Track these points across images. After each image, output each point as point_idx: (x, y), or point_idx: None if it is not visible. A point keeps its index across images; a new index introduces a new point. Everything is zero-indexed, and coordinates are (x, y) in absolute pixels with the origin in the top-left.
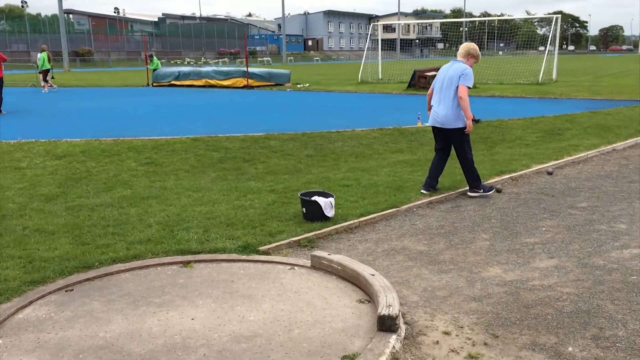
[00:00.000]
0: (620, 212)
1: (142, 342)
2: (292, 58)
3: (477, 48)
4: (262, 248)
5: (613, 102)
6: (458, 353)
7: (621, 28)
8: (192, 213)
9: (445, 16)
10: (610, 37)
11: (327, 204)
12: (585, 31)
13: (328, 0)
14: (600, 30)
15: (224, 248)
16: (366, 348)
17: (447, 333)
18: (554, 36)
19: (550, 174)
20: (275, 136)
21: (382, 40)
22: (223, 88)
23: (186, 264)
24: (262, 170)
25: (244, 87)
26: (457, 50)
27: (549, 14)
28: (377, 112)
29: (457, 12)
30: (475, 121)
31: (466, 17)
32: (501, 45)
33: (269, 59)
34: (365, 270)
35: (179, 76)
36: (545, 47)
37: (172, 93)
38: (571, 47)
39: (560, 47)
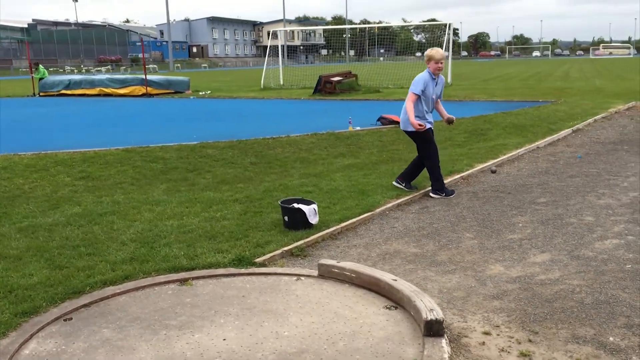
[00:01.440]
0: (580, 205)
1: None
2: (178, 65)
3: (434, 52)
4: (258, 260)
5: (513, 104)
6: (509, 352)
7: (487, 35)
8: (164, 228)
9: (327, 23)
10: (478, 44)
11: (310, 211)
12: (457, 38)
13: (210, 7)
14: (469, 37)
15: (217, 263)
16: (424, 355)
17: (487, 333)
18: (448, 42)
19: (494, 172)
20: (211, 144)
21: (268, 46)
22: (119, 97)
23: (183, 281)
24: (212, 180)
25: (142, 95)
26: (340, 56)
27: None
28: (298, 117)
29: (338, 19)
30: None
31: (348, 24)
32: (382, 51)
33: (155, 66)
34: (384, 276)
35: (69, 85)
36: (423, 52)
37: (67, 103)
38: (445, 53)
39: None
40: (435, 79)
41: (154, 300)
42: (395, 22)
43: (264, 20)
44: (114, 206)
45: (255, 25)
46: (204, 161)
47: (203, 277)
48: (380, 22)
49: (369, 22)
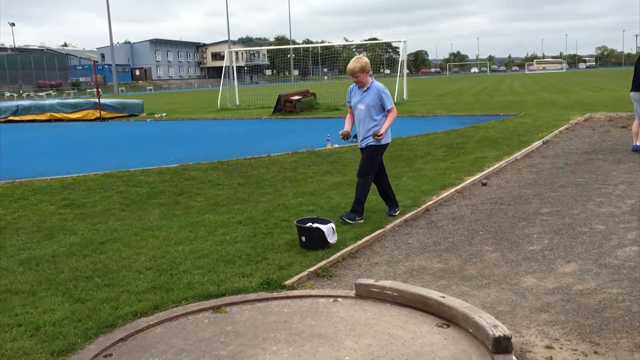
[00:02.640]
0: (584, 214)
1: None
2: (123, 88)
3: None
4: (287, 283)
5: (476, 118)
6: None
7: (426, 53)
8: (176, 254)
9: (271, 44)
10: (418, 62)
11: (329, 231)
12: (397, 56)
13: (150, 29)
14: (409, 55)
15: (245, 287)
16: None
17: (549, 347)
18: (403, 60)
19: (484, 185)
20: (193, 166)
21: (211, 68)
22: (71, 121)
23: (216, 309)
24: (205, 202)
25: (96, 119)
26: (285, 75)
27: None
28: (269, 137)
29: (281, 39)
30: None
31: (292, 44)
32: (325, 70)
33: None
34: (431, 294)
35: (17, 111)
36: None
37: (18, 129)
38: (387, 71)
39: (378, 71)
40: (361, 88)
41: (193, 330)
42: (337, 41)
43: (207, 42)
44: (113, 234)
45: (198, 47)
46: (191, 184)
47: (236, 303)
48: (323, 42)
49: (311, 42)
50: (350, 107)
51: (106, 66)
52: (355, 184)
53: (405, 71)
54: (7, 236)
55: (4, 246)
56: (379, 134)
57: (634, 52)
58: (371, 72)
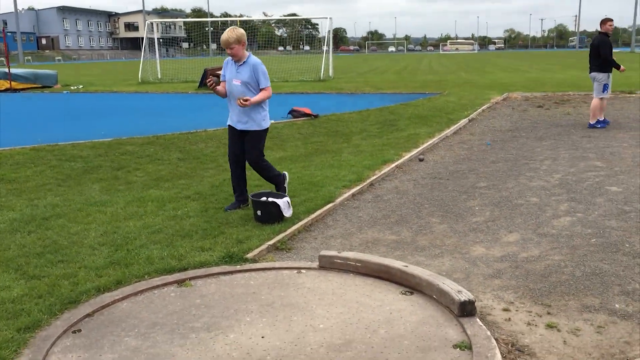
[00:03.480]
0: (518, 187)
1: None
2: (29, 58)
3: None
4: (249, 256)
5: (403, 96)
6: (537, 325)
7: (344, 30)
8: (128, 229)
9: (187, 15)
10: (337, 39)
11: (285, 204)
12: (317, 33)
13: None
14: (328, 33)
15: (207, 261)
16: (469, 335)
17: (506, 310)
18: (328, 38)
19: (421, 160)
20: (128, 141)
21: (124, 39)
22: None
23: (181, 282)
24: (146, 177)
25: (6, 90)
26: (202, 49)
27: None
28: (198, 111)
29: (198, 12)
30: (314, 116)
31: (210, 17)
32: None
33: (2, 58)
34: (394, 263)
35: None
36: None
37: None
38: (307, 48)
39: (298, 47)
40: (237, 62)
41: (162, 304)
42: (257, 16)
43: (120, 11)
44: (55, 209)
45: (110, 16)
46: (128, 158)
47: (200, 276)
48: (242, 16)
49: (229, 16)
50: (224, 81)
51: (8, 34)
52: (256, 171)
53: (332, 47)
54: None
55: None
56: (247, 99)
57: (539, 35)
58: (247, 46)
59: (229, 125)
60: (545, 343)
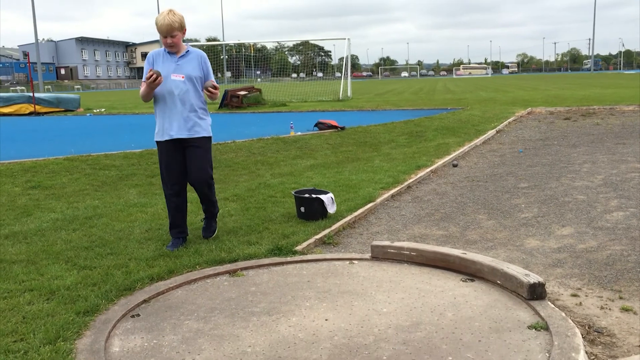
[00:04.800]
0: (562, 187)
1: (308, 349)
2: (49, 87)
3: (157, 20)
4: (298, 248)
5: (425, 111)
6: (610, 309)
7: (357, 57)
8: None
9: (202, 45)
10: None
11: (329, 200)
12: (329, 60)
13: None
14: (340, 60)
15: (255, 253)
16: (543, 316)
17: (575, 295)
18: (347, 57)
19: (455, 166)
20: None
21: (141, 68)
22: (4, 116)
23: (232, 272)
24: None
25: (30, 113)
26: (217, 77)
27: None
28: (224, 127)
29: (213, 41)
30: (340, 128)
31: (225, 46)
32: (258, 72)
33: (23, 87)
34: (452, 251)
35: None
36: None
37: None
38: (320, 74)
39: (311, 73)
40: (174, 54)
41: (217, 292)
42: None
43: (137, 42)
44: (96, 210)
45: (127, 46)
46: None
47: (251, 267)
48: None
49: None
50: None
51: (33, 64)
52: (203, 194)
53: (350, 68)
54: None
55: None
56: (215, 85)
57: (552, 59)
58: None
59: (161, 142)
60: (624, 325)
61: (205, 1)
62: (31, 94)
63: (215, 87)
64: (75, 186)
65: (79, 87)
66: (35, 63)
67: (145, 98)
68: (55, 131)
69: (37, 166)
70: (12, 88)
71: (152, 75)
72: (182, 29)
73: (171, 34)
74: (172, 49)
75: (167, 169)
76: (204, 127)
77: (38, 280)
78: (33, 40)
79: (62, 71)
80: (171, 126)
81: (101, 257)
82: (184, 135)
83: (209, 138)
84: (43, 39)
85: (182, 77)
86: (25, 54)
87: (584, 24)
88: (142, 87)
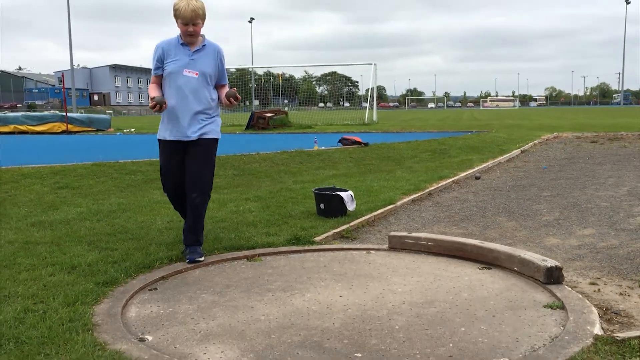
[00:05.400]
0: (585, 196)
1: (321, 318)
2: (82, 111)
3: (177, 4)
4: (316, 239)
5: (450, 133)
6: (629, 295)
7: (384, 88)
8: None
9: (232, 73)
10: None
11: (348, 197)
12: (357, 90)
13: (110, 56)
14: (367, 90)
15: (274, 242)
16: (560, 297)
17: (594, 284)
18: (373, 82)
19: (478, 178)
20: None
21: None
22: (37, 134)
23: (250, 257)
24: None
25: (62, 132)
26: (245, 105)
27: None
28: (250, 144)
29: (242, 70)
30: (364, 144)
31: (253, 75)
32: (285, 101)
33: (56, 111)
34: (469, 240)
35: None
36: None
37: None
38: (347, 104)
39: (338, 103)
40: (190, 45)
41: (234, 272)
42: (298, 74)
43: None
44: (120, 206)
45: None
46: None
47: (269, 253)
48: (284, 74)
49: (272, 74)
50: (160, 75)
51: (67, 89)
52: (194, 204)
53: (375, 93)
54: (7, 207)
55: (8, 214)
56: (237, 97)
57: (581, 93)
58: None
59: (164, 141)
60: None
61: (238, 32)
62: (64, 114)
63: (236, 99)
64: (101, 187)
65: (110, 112)
66: (70, 88)
67: (159, 108)
68: (85, 145)
69: (65, 170)
70: (46, 111)
71: (155, 105)
72: (204, 17)
73: (194, 22)
74: (191, 39)
75: (166, 170)
76: (214, 128)
77: (60, 257)
78: (69, 67)
79: (95, 97)
80: (179, 125)
81: (123, 241)
82: (192, 136)
83: (216, 140)
84: (78, 65)
85: (196, 74)
86: (60, 80)
87: (613, 58)
88: (151, 89)
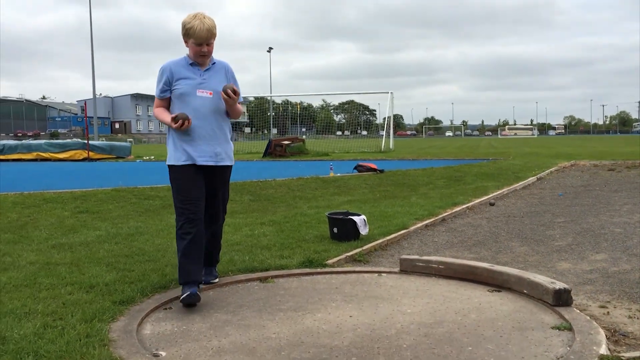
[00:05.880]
0: (599, 222)
1: (331, 337)
2: (103, 139)
3: (189, 23)
4: (329, 262)
5: (466, 161)
6: (638, 318)
7: (401, 117)
8: None
9: (250, 103)
10: (394, 124)
11: (361, 222)
12: (374, 118)
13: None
14: (384, 119)
15: (287, 265)
16: (568, 319)
17: (603, 307)
18: (390, 110)
19: (492, 205)
20: None
21: None
22: (59, 161)
23: (264, 279)
24: None
25: (84, 159)
26: (263, 133)
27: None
28: (266, 171)
29: (261, 99)
30: (379, 171)
31: (272, 103)
32: (303, 130)
33: (79, 140)
34: (479, 263)
35: (3, 150)
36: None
37: (6, 167)
38: (364, 133)
39: (355, 132)
40: (200, 66)
41: (247, 293)
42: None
43: None
44: (138, 229)
45: None
46: None
47: (282, 275)
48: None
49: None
50: (167, 98)
51: (87, 118)
52: (218, 230)
53: (392, 121)
54: (29, 230)
55: (30, 237)
56: (235, 90)
57: (600, 122)
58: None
59: (178, 166)
60: None
61: (257, 62)
62: (85, 141)
63: (235, 92)
64: (120, 212)
65: (131, 140)
66: (92, 117)
67: (164, 122)
68: (105, 171)
69: (86, 195)
70: (68, 139)
71: (179, 122)
72: (216, 36)
73: (208, 42)
74: (203, 60)
75: (187, 194)
76: (230, 153)
77: (79, 277)
78: (91, 96)
79: (117, 125)
80: (196, 150)
81: (140, 263)
82: (210, 162)
83: (231, 167)
84: (100, 94)
85: (210, 94)
86: (83, 109)
87: (632, 87)
88: (160, 113)
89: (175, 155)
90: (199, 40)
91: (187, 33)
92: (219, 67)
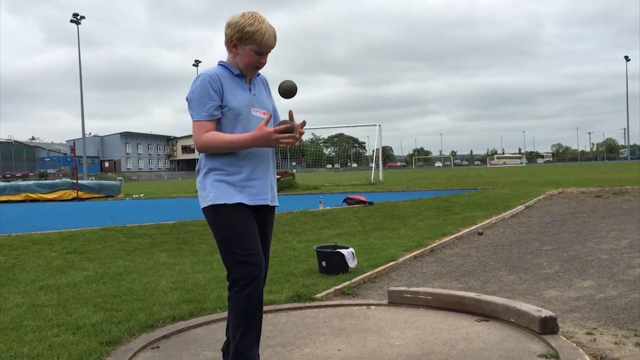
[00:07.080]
0: (586, 249)
1: None
2: (93, 178)
3: (251, 26)
4: (317, 296)
5: (455, 191)
6: (624, 344)
7: (391, 149)
8: (197, 280)
9: None
10: (384, 156)
11: (349, 255)
12: (364, 151)
13: (121, 124)
14: (373, 151)
15: (275, 300)
16: (554, 347)
17: (590, 334)
18: (379, 141)
19: (481, 234)
20: (191, 222)
21: (181, 160)
22: (48, 202)
23: None
24: (210, 247)
25: (73, 199)
26: None
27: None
28: None
29: None
30: (369, 203)
31: None
32: (293, 164)
33: (68, 180)
34: (466, 293)
35: None
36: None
37: None
38: (354, 165)
39: (345, 165)
40: (244, 78)
41: None
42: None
43: (178, 135)
44: (126, 269)
45: (169, 140)
46: (192, 235)
47: (270, 311)
48: None
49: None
50: (217, 120)
51: (77, 157)
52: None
53: (381, 154)
54: (16, 272)
55: (17, 279)
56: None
57: (587, 149)
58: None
59: (233, 205)
60: (637, 357)
61: None
62: (75, 181)
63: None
64: (108, 251)
65: (120, 178)
66: (81, 156)
67: (220, 149)
68: (94, 210)
69: (74, 235)
70: (57, 179)
71: (288, 134)
72: None
73: (267, 52)
74: (254, 72)
75: (250, 242)
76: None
77: (66, 319)
78: (81, 136)
79: (107, 164)
80: (261, 186)
81: (127, 302)
82: (267, 201)
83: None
84: (90, 133)
85: (264, 114)
86: (72, 149)
87: (618, 114)
88: (219, 136)
89: (224, 190)
90: (265, 48)
91: (247, 37)
92: (258, 81)
